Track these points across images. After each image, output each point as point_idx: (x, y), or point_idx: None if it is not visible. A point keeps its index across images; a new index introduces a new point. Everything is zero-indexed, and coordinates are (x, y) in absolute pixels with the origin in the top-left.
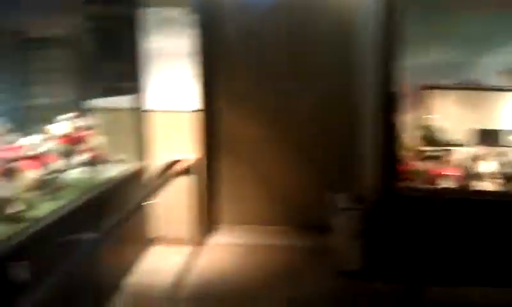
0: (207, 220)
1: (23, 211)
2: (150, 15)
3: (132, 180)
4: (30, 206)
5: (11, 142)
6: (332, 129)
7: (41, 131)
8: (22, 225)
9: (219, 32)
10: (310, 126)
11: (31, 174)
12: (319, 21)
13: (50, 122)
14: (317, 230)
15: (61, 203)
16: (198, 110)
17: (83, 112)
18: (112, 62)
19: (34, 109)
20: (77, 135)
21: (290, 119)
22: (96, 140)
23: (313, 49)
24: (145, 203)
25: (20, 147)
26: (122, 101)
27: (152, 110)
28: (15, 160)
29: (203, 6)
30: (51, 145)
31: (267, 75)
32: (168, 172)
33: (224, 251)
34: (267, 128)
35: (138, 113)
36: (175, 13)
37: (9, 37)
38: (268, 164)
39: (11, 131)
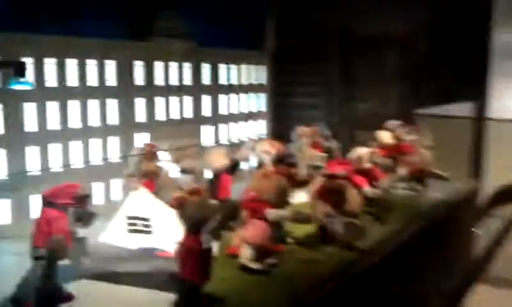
0: None
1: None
2: (504, 3)
3: (464, 203)
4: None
5: (332, 152)
6: None
7: (362, 140)
8: (353, 252)
9: None
10: None
11: (360, 191)
12: None
13: (373, 130)
14: None
15: (390, 227)
16: None
17: (410, 119)
18: (448, 63)
19: (355, 115)
20: (401, 146)
21: None
22: (422, 152)
23: None
24: (477, 232)
25: (349, 161)
26: (458, 108)
27: (498, 120)
28: (344, 177)
29: None
30: (378, 158)
31: None
32: None
33: None
34: None
35: (478, 123)
36: None
37: (335, 37)
38: None
39: (329, 138)
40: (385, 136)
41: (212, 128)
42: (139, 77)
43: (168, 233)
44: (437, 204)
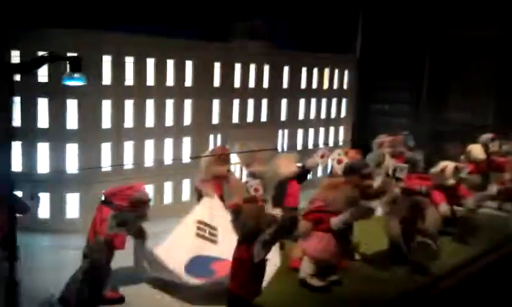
0: None
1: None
2: None
3: None
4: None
5: (416, 163)
6: None
7: (452, 153)
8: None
9: None
10: None
11: (440, 208)
12: None
13: (466, 143)
14: None
15: (473, 250)
16: None
17: (503, 133)
18: None
19: (445, 124)
20: (494, 162)
21: None
22: None
23: None
24: None
25: (430, 176)
26: None
27: None
28: (424, 193)
29: None
30: (464, 174)
31: None
32: None
33: None
34: None
35: None
36: None
37: (426, 41)
38: None
39: (414, 148)
40: (477, 150)
41: (291, 132)
42: (216, 78)
43: (232, 246)
44: None
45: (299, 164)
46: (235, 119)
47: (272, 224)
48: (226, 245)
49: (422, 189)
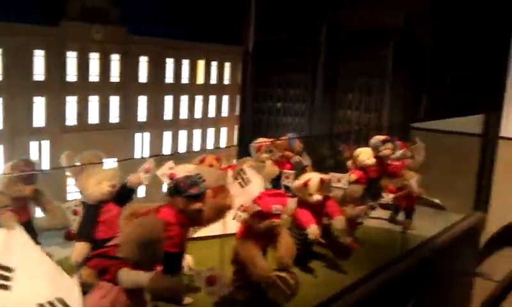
0: None
1: None
2: None
3: (463, 239)
4: None
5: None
6: None
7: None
8: None
9: None
10: None
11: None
12: None
13: (361, 144)
14: None
15: (349, 277)
16: None
17: (399, 133)
18: (457, 65)
19: (340, 125)
20: (384, 166)
21: None
22: (409, 175)
23: None
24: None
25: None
26: (464, 121)
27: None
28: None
29: None
30: (344, 185)
31: None
32: None
33: None
34: None
35: (487, 141)
36: None
37: (322, 32)
38: None
39: (301, 152)
40: (365, 155)
41: (155, 136)
42: (40, 71)
43: (35, 291)
44: (427, 241)
45: (117, 181)
46: (72, 120)
47: None
48: (27, 290)
49: (278, 209)
